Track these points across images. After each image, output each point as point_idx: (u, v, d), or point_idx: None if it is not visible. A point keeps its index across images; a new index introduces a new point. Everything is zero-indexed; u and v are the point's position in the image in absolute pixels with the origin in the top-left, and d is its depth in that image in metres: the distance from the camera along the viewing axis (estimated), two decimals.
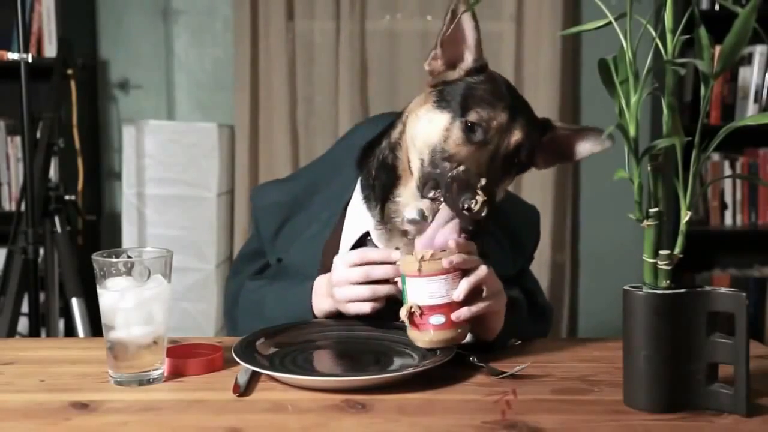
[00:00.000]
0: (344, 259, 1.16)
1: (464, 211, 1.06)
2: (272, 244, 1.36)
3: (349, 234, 1.27)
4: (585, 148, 1.22)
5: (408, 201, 1.18)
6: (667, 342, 0.87)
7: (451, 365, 1.03)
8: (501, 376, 1.01)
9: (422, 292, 1.04)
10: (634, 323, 0.89)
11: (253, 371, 1.01)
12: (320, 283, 1.22)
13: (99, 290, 1.02)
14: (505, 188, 1.20)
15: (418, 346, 1.07)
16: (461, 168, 1.08)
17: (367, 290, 1.13)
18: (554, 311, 1.48)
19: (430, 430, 0.85)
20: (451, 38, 1.17)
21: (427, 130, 1.16)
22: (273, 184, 1.48)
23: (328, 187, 1.34)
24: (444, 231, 1.08)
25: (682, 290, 0.88)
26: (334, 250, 1.28)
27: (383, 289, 1.13)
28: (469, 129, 1.13)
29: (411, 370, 0.99)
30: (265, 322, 1.27)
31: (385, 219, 1.20)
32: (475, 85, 1.16)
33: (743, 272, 3.25)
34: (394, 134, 1.24)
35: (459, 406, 0.92)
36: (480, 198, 1.06)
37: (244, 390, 0.96)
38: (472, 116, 1.13)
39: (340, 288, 1.15)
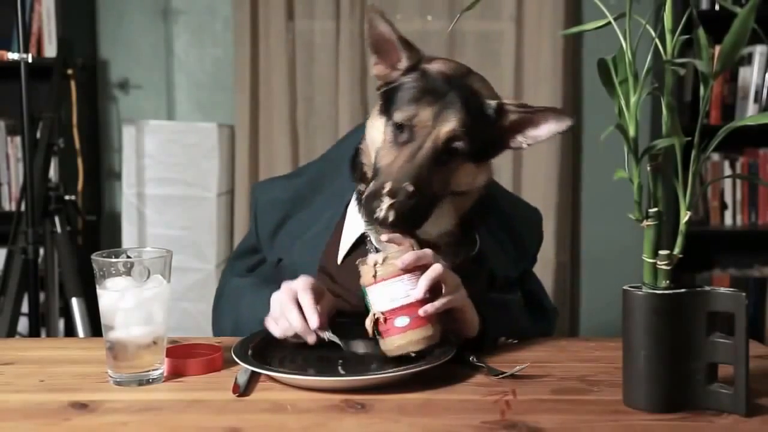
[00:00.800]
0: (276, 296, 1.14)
1: (374, 219, 1.07)
2: (270, 241, 1.36)
3: (348, 234, 1.27)
4: (547, 129, 1.17)
5: None
6: (667, 342, 0.87)
7: (450, 365, 1.03)
8: (500, 376, 1.01)
9: (383, 298, 1.03)
10: (634, 323, 0.89)
11: (253, 371, 1.01)
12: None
13: (99, 290, 1.02)
14: (465, 176, 1.17)
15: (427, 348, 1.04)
16: (378, 182, 1.09)
17: (278, 331, 1.12)
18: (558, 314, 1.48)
19: (430, 430, 0.85)
20: (375, 43, 1.19)
21: (373, 136, 1.19)
22: (276, 180, 1.48)
23: (330, 186, 1.34)
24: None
25: (682, 290, 0.88)
26: (335, 249, 1.28)
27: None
28: (397, 130, 1.14)
29: (411, 370, 0.99)
30: (237, 323, 1.28)
31: (369, 219, 1.18)
32: (406, 84, 1.17)
33: (743, 272, 3.25)
34: (362, 138, 1.26)
35: (458, 406, 0.92)
36: (385, 203, 1.06)
37: (243, 390, 0.96)
38: (397, 116, 1.14)
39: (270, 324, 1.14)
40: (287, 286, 1.12)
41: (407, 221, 1.09)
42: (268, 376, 1.01)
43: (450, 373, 1.02)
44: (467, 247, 1.23)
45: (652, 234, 0.89)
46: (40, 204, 2.37)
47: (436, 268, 1.06)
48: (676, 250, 0.89)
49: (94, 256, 1.03)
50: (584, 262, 3.33)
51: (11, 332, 2.28)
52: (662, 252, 0.88)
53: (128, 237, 3.02)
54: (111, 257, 1.03)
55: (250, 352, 1.06)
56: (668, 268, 0.88)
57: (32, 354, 1.18)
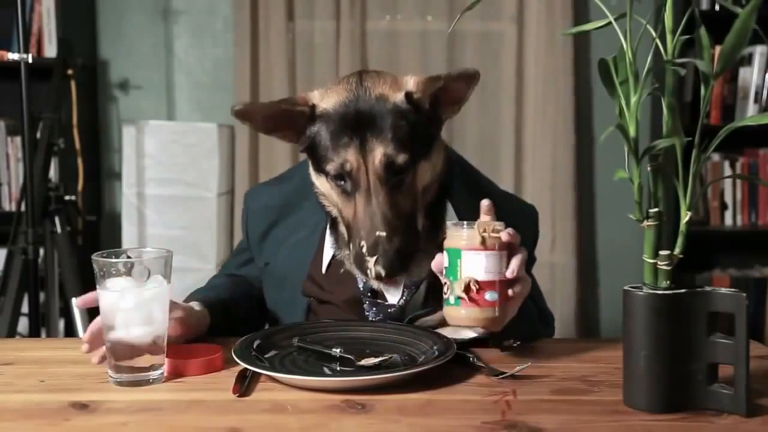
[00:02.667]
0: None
1: (377, 277, 1.07)
2: (259, 246, 1.37)
3: (329, 248, 1.28)
4: (464, 90, 1.14)
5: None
6: (667, 342, 0.87)
7: (451, 365, 1.03)
8: (501, 376, 1.01)
9: (479, 266, 1.01)
10: (634, 323, 0.89)
11: (253, 372, 1.01)
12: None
13: (99, 291, 1.02)
14: (425, 174, 1.15)
15: (453, 339, 1.05)
16: (355, 246, 1.08)
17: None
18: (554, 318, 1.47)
19: (430, 430, 0.85)
20: (264, 128, 1.16)
21: (325, 194, 1.18)
22: (266, 186, 1.48)
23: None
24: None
25: (682, 290, 0.88)
26: (320, 258, 1.28)
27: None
28: (338, 181, 1.12)
29: (411, 370, 0.99)
30: None
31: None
32: (317, 135, 1.14)
33: (743, 272, 3.25)
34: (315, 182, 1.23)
35: (459, 407, 0.92)
36: (371, 262, 1.06)
37: (244, 390, 0.96)
38: (330, 170, 1.11)
39: None
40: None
41: (400, 263, 1.07)
42: (268, 376, 1.01)
43: (450, 373, 1.02)
44: (436, 237, 1.20)
45: (653, 234, 0.89)
46: (40, 204, 2.37)
47: (524, 254, 1.05)
48: (677, 251, 0.89)
49: (94, 257, 1.03)
50: (585, 262, 3.33)
51: (11, 332, 2.28)
52: (663, 252, 0.88)
53: (128, 237, 3.02)
54: (111, 257, 1.03)
55: (250, 352, 1.06)
56: (669, 268, 0.88)
57: (32, 354, 1.18)
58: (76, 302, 1.03)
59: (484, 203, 1.07)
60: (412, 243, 1.10)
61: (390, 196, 1.10)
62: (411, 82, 1.14)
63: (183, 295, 3.30)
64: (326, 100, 1.15)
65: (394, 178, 1.10)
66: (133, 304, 1.01)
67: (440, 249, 1.06)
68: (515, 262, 1.03)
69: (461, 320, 1.03)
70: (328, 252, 1.28)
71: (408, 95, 1.13)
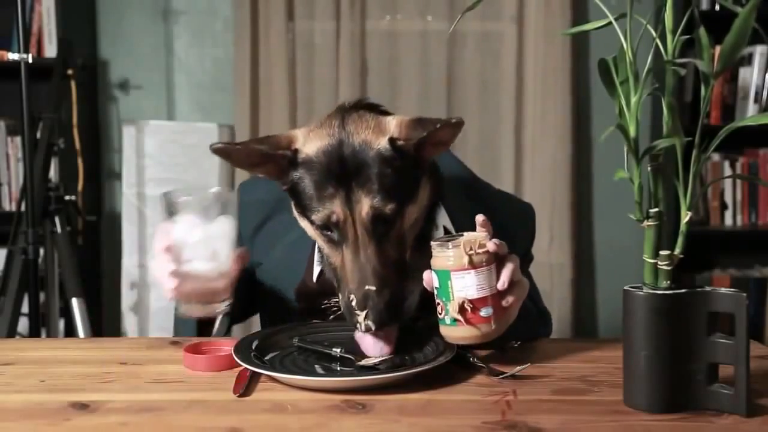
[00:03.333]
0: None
1: (365, 330, 1.06)
2: (251, 240, 1.36)
3: (317, 257, 1.28)
4: (446, 136, 1.11)
5: None
6: (667, 342, 0.87)
7: (451, 365, 1.03)
8: (501, 376, 1.01)
9: (471, 285, 1.01)
10: (634, 323, 0.89)
11: (253, 372, 1.01)
12: None
13: (167, 225, 1.06)
14: (412, 214, 1.13)
15: (449, 344, 1.05)
16: (344, 298, 1.07)
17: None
18: (553, 316, 1.47)
19: (430, 430, 0.85)
20: (247, 161, 1.13)
21: (309, 232, 1.15)
22: (261, 180, 1.47)
23: None
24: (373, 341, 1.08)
25: (682, 290, 0.88)
26: (312, 264, 1.28)
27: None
28: (325, 230, 1.10)
29: (411, 371, 0.99)
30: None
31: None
32: (300, 183, 1.10)
33: (743, 272, 3.25)
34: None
35: (459, 407, 0.92)
36: (361, 316, 1.04)
37: (244, 390, 0.96)
38: (317, 220, 1.08)
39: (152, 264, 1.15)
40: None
41: (390, 315, 1.06)
42: (268, 376, 1.01)
43: (450, 373, 1.02)
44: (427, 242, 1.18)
45: (653, 234, 0.89)
46: (40, 204, 2.37)
47: (516, 261, 1.05)
48: (677, 251, 0.89)
49: (164, 193, 1.07)
50: (584, 262, 3.33)
51: (11, 332, 2.28)
52: (663, 252, 0.88)
53: (128, 237, 3.02)
54: (179, 196, 1.07)
55: (251, 352, 1.06)
56: (669, 268, 0.88)
57: (32, 354, 1.18)
58: (156, 245, 1.06)
59: (479, 219, 1.07)
60: (402, 291, 1.09)
61: (378, 247, 1.07)
62: (393, 125, 1.11)
63: None
64: (309, 144, 1.11)
65: (381, 228, 1.08)
66: (199, 238, 1.05)
67: (428, 266, 1.06)
68: (506, 273, 1.03)
69: (458, 340, 1.04)
70: (318, 263, 1.28)
71: (392, 141, 1.09)
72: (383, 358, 1.04)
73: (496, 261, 1.04)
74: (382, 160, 1.07)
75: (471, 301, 1.01)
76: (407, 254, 1.14)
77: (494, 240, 1.03)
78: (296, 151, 1.11)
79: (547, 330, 1.38)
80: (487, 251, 1.02)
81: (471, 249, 1.01)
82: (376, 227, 1.07)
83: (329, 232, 1.09)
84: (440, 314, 1.04)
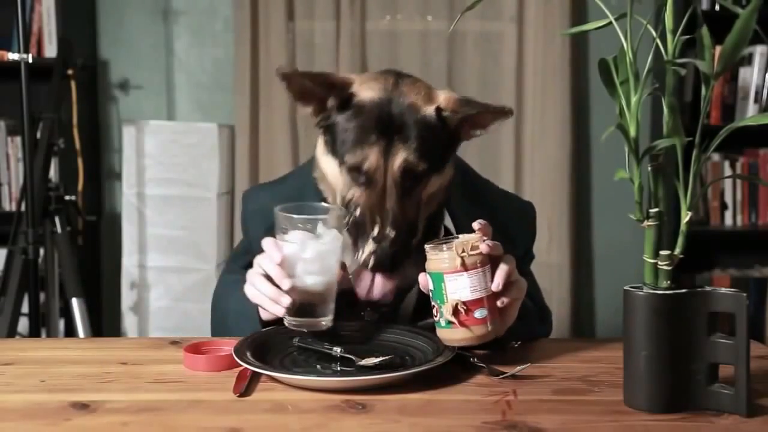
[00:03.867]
0: (257, 259, 1.15)
1: (365, 265, 1.10)
2: (260, 248, 1.36)
3: None
4: (491, 124, 1.19)
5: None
6: (667, 342, 0.87)
7: (451, 365, 1.03)
8: (501, 376, 1.01)
9: (464, 288, 1.02)
10: (635, 323, 0.89)
11: (253, 371, 1.01)
12: None
13: (280, 242, 1.10)
14: (432, 191, 1.18)
15: (447, 346, 1.05)
16: (356, 213, 1.12)
17: (270, 291, 1.10)
18: (552, 314, 1.47)
19: (430, 430, 0.85)
20: (299, 93, 1.19)
21: (328, 174, 1.20)
22: (263, 187, 1.49)
23: (315, 193, 1.34)
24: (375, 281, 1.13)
25: (683, 290, 0.88)
26: None
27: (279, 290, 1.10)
28: (353, 171, 1.15)
29: (411, 370, 0.99)
30: (225, 318, 1.29)
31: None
32: (344, 124, 1.16)
33: (743, 272, 3.25)
34: (315, 170, 1.27)
35: (459, 407, 0.92)
36: (368, 250, 1.09)
37: (244, 390, 0.96)
38: (349, 160, 1.14)
39: (247, 286, 1.15)
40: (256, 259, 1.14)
41: (395, 261, 1.11)
42: (269, 376, 1.01)
43: (451, 373, 1.02)
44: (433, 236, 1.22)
45: (653, 234, 0.89)
46: (40, 204, 2.37)
47: (511, 261, 1.07)
48: (677, 251, 0.89)
49: (278, 210, 1.11)
50: (584, 262, 3.33)
51: (11, 332, 2.28)
52: (663, 252, 0.88)
53: (128, 237, 3.02)
54: (291, 213, 1.10)
55: (251, 352, 1.06)
56: (669, 268, 0.88)
57: (32, 354, 1.18)
58: (275, 257, 1.09)
59: (477, 225, 1.08)
60: (407, 249, 1.13)
61: (399, 199, 1.13)
62: (442, 98, 1.18)
63: (184, 294, 3.30)
64: (363, 92, 1.17)
65: (407, 184, 1.14)
66: (312, 255, 1.07)
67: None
68: (500, 274, 1.04)
69: (455, 342, 1.05)
70: None
71: (438, 110, 1.16)
72: (384, 358, 1.04)
73: (491, 262, 1.04)
74: (425, 124, 1.15)
75: (465, 303, 1.02)
76: (419, 228, 1.17)
77: (488, 241, 1.04)
78: (352, 94, 1.17)
79: (547, 328, 1.38)
80: (480, 253, 1.02)
81: (463, 251, 1.02)
82: (403, 180, 1.13)
83: (358, 175, 1.14)
84: (436, 317, 1.05)
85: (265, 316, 1.19)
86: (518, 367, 1.02)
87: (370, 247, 1.10)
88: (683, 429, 0.85)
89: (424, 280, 1.07)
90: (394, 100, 1.15)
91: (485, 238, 1.05)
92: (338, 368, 1.05)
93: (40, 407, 0.92)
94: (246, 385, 0.98)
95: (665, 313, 0.87)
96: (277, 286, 1.09)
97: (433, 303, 1.05)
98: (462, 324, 1.02)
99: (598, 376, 1.03)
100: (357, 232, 1.13)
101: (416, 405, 0.92)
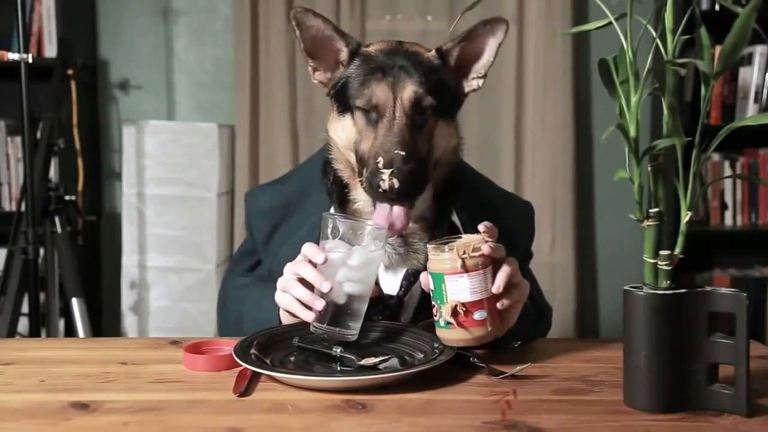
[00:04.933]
0: (289, 265, 1.15)
1: (383, 193, 1.10)
2: (266, 248, 1.37)
3: None
4: (489, 46, 1.22)
5: (365, 206, 1.23)
6: (667, 342, 0.87)
7: (451, 365, 1.03)
8: (501, 376, 1.01)
9: (464, 288, 1.02)
10: (635, 323, 0.89)
11: (253, 371, 1.01)
12: None
13: (325, 245, 1.10)
14: (442, 138, 1.21)
15: (447, 346, 1.05)
16: (371, 165, 1.13)
17: (305, 294, 1.11)
18: (553, 312, 1.47)
19: (430, 430, 0.85)
20: (311, 44, 1.22)
21: (346, 137, 1.21)
22: (266, 187, 1.49)
23: (318, 190, 1.34)
24: (393, 212, 1.13)
25: (683, 290, 0.88)
26: None
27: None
28: (365, 115, 1.18)
29: (411, 370, 0.99)
30: (241, 320, 1.29)
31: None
32: (352, 72, 1.21)
33: (743, 272, 3.25)
34: (330, 149, 1.28)
35: (459, 407, 0.92)
36: (386, 174, 1.09)
37: (244, 390, 0.96)
38: (359, 102, 1.18)
39: (279, 293, 1.15)
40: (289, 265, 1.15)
41: (412, 186, 1.12)
42: (268, 376, 1.01)
43: (451, 373, 1.02)
44: (442, 230, 1.24)
45: (653, 234, 0.89)
46: (40, 204, 2.37)
47: (513, 264, 1.07)
48: (677, 251, 0.89)
49: (326, 214, 1.12)
50: (585, 262, 3.33)
51: (11, 332, 2.28)
52: (663, 252, 0.88)
53: (128, 237, 3.02)
54: (336, 220, 1.11)
55: (251, 352, 1.06)
56: (669, 268, 0.88)
57: (32, 354, 1.18)
58: (318, 258, 1.09)
59: (481, 228, 1.08)
60: (422, 179, 1.15)
61: (410, 130, 1.15)
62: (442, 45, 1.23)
63: (183, 294, 3.30)
64: (369, 47, 1.23)
65: (418, 118, 1.17)
66: (358, 262, 1.07)
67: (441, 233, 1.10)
68: (501, 277, 1.05)
69: (453, 342, 1.05)
70: None
71: (438, 50, 1.22)
72: (384, 358, 1.04)
73: (493, 264, 1.04)
74: (430, 64, 1.20)
75: (464, 305, 1.02)
76: (429, 172, 1.19)
77: (489, 243, 1.04)
78: (360, 45, 1.23)
79: (545, 326, 1.38)
80: (482, 255, 1.02)
81: (464, 252, 1.02)
82: (413, 112, 1.16)
83: (368, 114, 1.17)
84: (435, 316, 1.05)
85: (286, 320, 1.19)
86: (518, 367, 1.02)
87: (386, 174, 1.10)
88: (683, 429, 0.85)
89: (426, 280, 1.07)
90: (398, 49, 1.21)
91: (488, 239, 1.05)
92: (338, 368, 1.05)
93: (40, 407, 0.92)
94: (246, 385, 0.98)
95: (665, 313, 0.87)
96: (308, 292, 1.09)
97: (433, 302, 1.05)
98: (460, 325, 1.03)
99: (598, 376, 1.03)
100: (374, 180, 1.12)
101: (416, 405, 0.92)
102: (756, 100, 3.08)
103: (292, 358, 1.08)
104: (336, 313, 1.08)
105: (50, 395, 0.96)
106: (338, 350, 1.06)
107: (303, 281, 1.11)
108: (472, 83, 1.25)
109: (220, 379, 1.02)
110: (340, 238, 1.09)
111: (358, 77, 1.19)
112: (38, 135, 2.45)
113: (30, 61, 2.27)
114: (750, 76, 3.09)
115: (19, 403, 0.93)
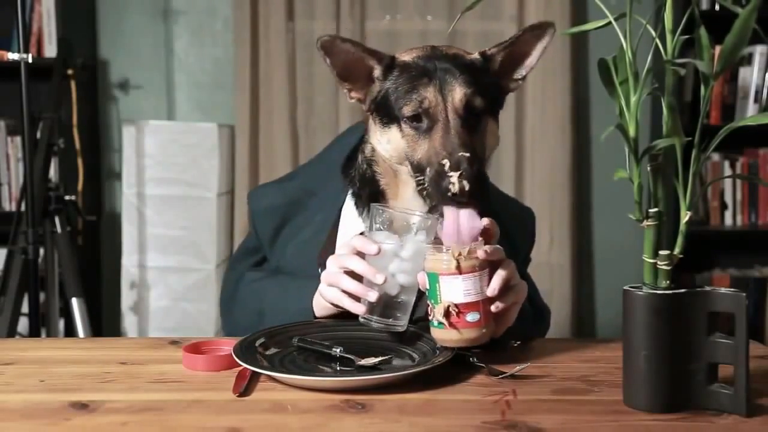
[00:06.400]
0: (335, 258, 1.16)
1: (451, 195, 1.07)
2: (271, 246, 1.36)
3: (345, 237, 1.27)
4: (534, 50, 1.20)
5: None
6: (667, 342, 0.87)
7: (451, 365, 1.03)
8: (501, 376, 1.01)
9: (458, 290, 1.02)
10: (634, 323, 0.89)
11: (253, 371, 1.01)
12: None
13: (376, 237, 1.10)
14: (491, 137, 1.20)
15: (446, 346, 1.06)
16: (435, 167, 1.10)
17: (354, 287, 1.11)
18: (551, 313, 1.47)
19: (430, 430, 0.85)
20: (342, 68, 1.19)
21: (393, 148, 1.18)
22: (269, 186, 1.48)
23: (323, 189, 1.34)
24: (464, 216, 1.09)
25: (682, 290, 0.88)
26: (331, 252, 1.28)
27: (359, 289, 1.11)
28: (414, 122, 1.15)
29: (411, 370, 0.99)
30: (262, 314, 1.28)
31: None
32: (393, 84, 1.18)
33: (743, 272, 3.25)
34: (367, 151, 1.26)
35: (459, 407, 0.92)
36: (454, 176, 1.07)
37: (244, 390, 0.96)
38: (407, 111, 1.15)
39: (324, 287, 1.15)
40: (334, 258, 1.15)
41: (480, 187, 1.09)
42: (268, 376, 1.01)
43: (450, 373, 1.02)
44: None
45: (653, 234, 0.89)
46: (40, 204, 2.37)
47: (510, 266, 1.07)
48: (677, 250, 0.89)
49: (375, 206, 1.12)
50: (584, 262, 3.33)
51: (11, 332, 2.28)
52: (662, 252, 0.88)
53: (128, 237, 3.02)
54: (387, 211, 1.11)
55: (250, 352, 1.06)
56: (668, 268, 0.88)
57: (32, 354, 1.18)
58: (371, 249, 1.09)
59: (483, 222, 1.08)
60: (486, 181, 1.14)
61: (465, 132, 1.13)
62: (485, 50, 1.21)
63: (183, 294, 3.29)
64: (403, 56, 1.20)
65: (471, 118, 1.15)
66: (410, 252, 1.08)
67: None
68: (496, 280, 1.05)
69: (445, 342, 1.05)
70: (343, 241, 1.27)
71: (482, 53, 1.20)
72: (384, 358, 1.04)
73: (491, 266, 1.04)
74: (474, 67, 1.18)
75: (457, 306, 1.02)
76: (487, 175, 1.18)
77: (486, 246, 1.04)
78: (394, 57, 1.19)
79: (543, 327, 1.38)
80: (477, 257, 1.03)
81: (460, 254, 1.02)
82: (466, 114, 1.14)
83: (418, 122, 1.14)
84: (430, 316, 1.06)
85: (322, 313, 1.19)
86: (518, 367, 1.02)
87: (455, 176, 1.07)
88: (683, 429, 0.85)
89: (423, 279, 1.07)
90: (435, 53, 1.18)
91: (484, 242, 1.06)
92: (338, 368, 1.05)
93: (39, 407, 0.92)
94: (245, 385, 0.98)
95: (665, 313, 0.87)
96: (359, 284, 1.10)
97: (428, 302, 1.06)
98: (452, 326, 1.03)
99: (597, 376, 1.03)
100: (441, 184, 1.09)
101: (416, 405, 0.92)
102: (756, 100, 3.07)
103: (292, 358, 1.08)
104: (386, 304, 1.09)
105: (50, 395, 0.96)
106: (338, 350, 1.06)
107: (350, 273, 1.11)
108: (511, 84, 1.24)
109: (220, 379, 1.02)
110: (388, 229, 1.09)
111: (401, 86, 1.16)
112: (38, 135, 2.45)
113: (30, 61, 2.27)
114: (750, 76, 3.09)
115: (19, 403, 0.93)
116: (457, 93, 1.13)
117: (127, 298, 3.01)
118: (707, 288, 0.88)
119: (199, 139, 3.03)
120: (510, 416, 0.88)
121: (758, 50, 3.07)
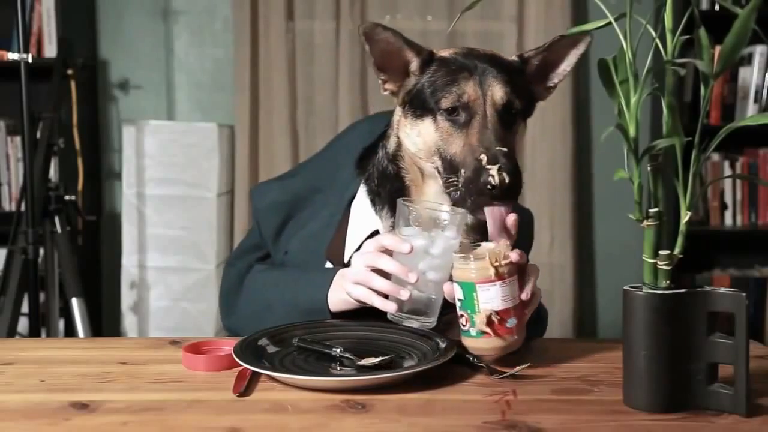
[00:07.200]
0: (362, 256, 1.15)
1: (491, 189, 1.05)
2: (275, 242, 1.36)
3: (357, 232, 1.26)
4: (568, 56, 1.20)
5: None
6: (667, 342, 0.87)
7: (451, 365, 1.03)
8: (501, 376, 1.01)
9: (497, 297, 1.02)
10: (634, 323, 0.89)
11: (253, 371, 1.01)
12: (338, 275, 1.21)
13: (405, 232, 1.09)
14: (521, 141, 1.20)
15: (474, 354, 1.05)
16: (471, 165, 1.08)
17: (384, 285, 1.11)
18: (548, 313, 1.47)
19: (430, 430, 0.85)
20: (380, 56, 1.18)
21: (423, 142, 1.17)
22: (272, 183, 1.48)
23: (329, 185, 1.34)
24: (508, 214, 1.08)
25: (682, 290, 0.88)
26: (339, 247, 1.28)
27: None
28: (451, 115, 1.14)
29: (411, 370, 0.99)
30: (270, 306, 1.27)
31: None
32: (430, 78, 1.17)
33: (743, 272, 3.25)
34: (391, 146, 1.24)
35: (459, 406, 0.92)
36: (494, 170, 1.05)
37: (244, 390, 0.96)
38: (445, 103, 1.14)
39: (352, 285, 1.15)
40: (361, 258, 1.14)
41: (519, 182, 1.08)
42: (268, 376, 1.01)
43: (450, 373, 1.02)
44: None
45: (653, 234, 0.89)
46: (40, 204, 2.37)
47: (535, 268, 1.08)
48: (677, 250, 0.89)
49: (401, 201, 1.11)
50: (584, 262, 3.33)
51: (11, 332, 2.28)
52: (662, 252, 0.88)
53: (128, 237, 3.02)
54: (417, 207, 1.10)
55: (250, 352, 1.06)
56: (668, 268, 0.88)
57: (32, 354, 1.18)
58: (404, 248, 1.08)
59: (510, 219, 1.08)
60: (521, 177, 1.11)
61: (502, 128, 1.12)
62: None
63: (183, 294, 3.30)
64: (441, 53, 1.20)
65: (508, 118, 1.14)
66: (440, 249, 1.07)
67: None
68: (530, 284, 1.06)
69: (486, 351, 1.05)
70: (355, 238, 1.27)
71: (520, 56, 1.20)
72: (384, 358, 1.04)
73: (518, 271, 1.05)
74: (513, 67, 1.18)
75: (498, 313, 1.02)
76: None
77: (516, 250, 1.05)
78: (432, 52, 1.19)
79: (541, 328, 1.38)
80: (511, 262, 1.03)
81: (497, 261, 1.02)
82: (505, 112, 1.13)
83: (455, 115, 1.14)
84: (464, 326, 1.05)
85: (338, 307, 1.19)
86: (518, 367, 1.02)
87: (493, 170, 1.05)
88: (683, 429, 0.85)
89: (450, 289, 1.07)
90: (474, 52, 1.18)
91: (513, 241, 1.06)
92: (338, 368, 1.05)
93: (39, 407, 0.92)
94: (246, 385, 0.98)
95: (665, 313, 0.87)
96: (390, 282, 1.09)
97: (461, 312, 1.05)
98: (495, 333, 1.03)
99: (597, 376, 1.03)
100: (479, 179, 1.07)
101: (416, 405, 0.92)
102: (756, 100, 3.08)
103: (292, 358, 1.08)
104: (416, 301, 1.09)
105: (50, 395, 0.96)
106: (338, 350, 1.06)
107: (377, 271, 1.10)
108: (543, 92, 1.24)
109: (220, 379, 1.02)
110: (417, 226, 1.09)
111: (440, 79, 1.15)
112: (38, 135, 2.45)
113: (30, 61, 2.27)
114: (750, 76, 3.09)
115: (19, 403, 0.93)
116: (498, 90, 1.13)
117: (127, 298, 3.01)
118: (707, 288, 0.88)
119: (199, 139, 3.04)
120: (510, 416, 0.88)
121: (758, 50, 3.07)
